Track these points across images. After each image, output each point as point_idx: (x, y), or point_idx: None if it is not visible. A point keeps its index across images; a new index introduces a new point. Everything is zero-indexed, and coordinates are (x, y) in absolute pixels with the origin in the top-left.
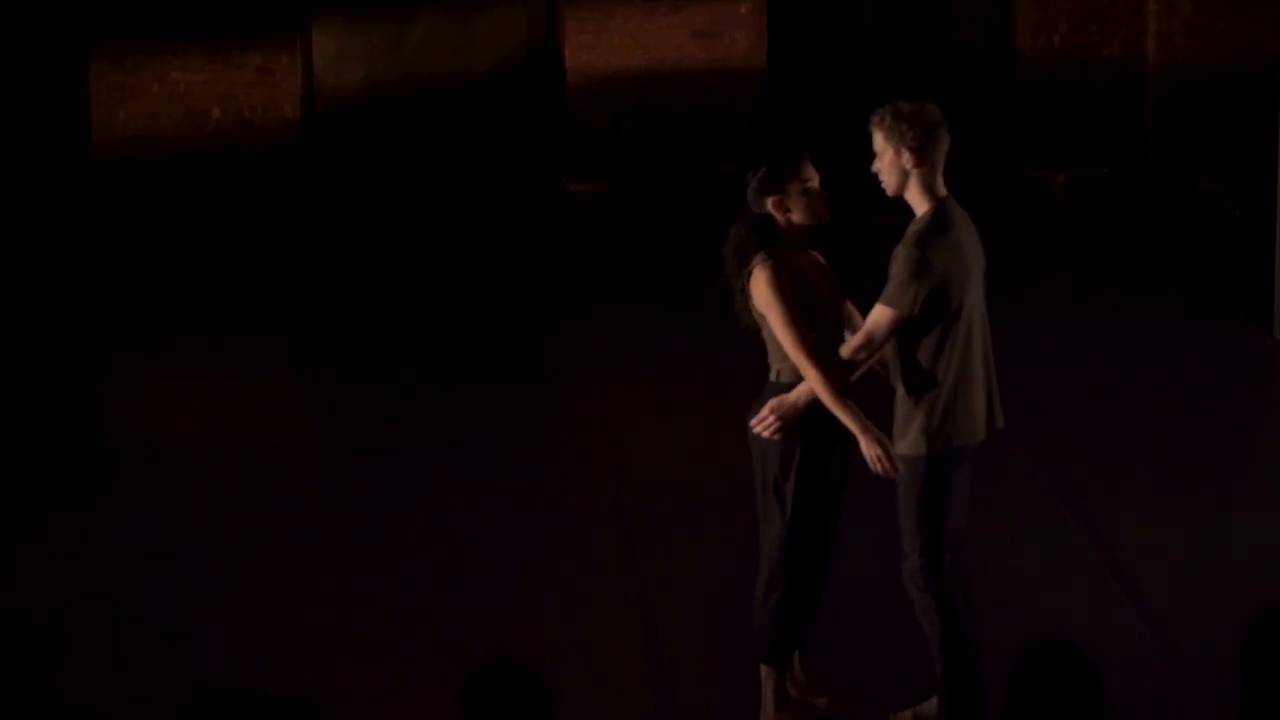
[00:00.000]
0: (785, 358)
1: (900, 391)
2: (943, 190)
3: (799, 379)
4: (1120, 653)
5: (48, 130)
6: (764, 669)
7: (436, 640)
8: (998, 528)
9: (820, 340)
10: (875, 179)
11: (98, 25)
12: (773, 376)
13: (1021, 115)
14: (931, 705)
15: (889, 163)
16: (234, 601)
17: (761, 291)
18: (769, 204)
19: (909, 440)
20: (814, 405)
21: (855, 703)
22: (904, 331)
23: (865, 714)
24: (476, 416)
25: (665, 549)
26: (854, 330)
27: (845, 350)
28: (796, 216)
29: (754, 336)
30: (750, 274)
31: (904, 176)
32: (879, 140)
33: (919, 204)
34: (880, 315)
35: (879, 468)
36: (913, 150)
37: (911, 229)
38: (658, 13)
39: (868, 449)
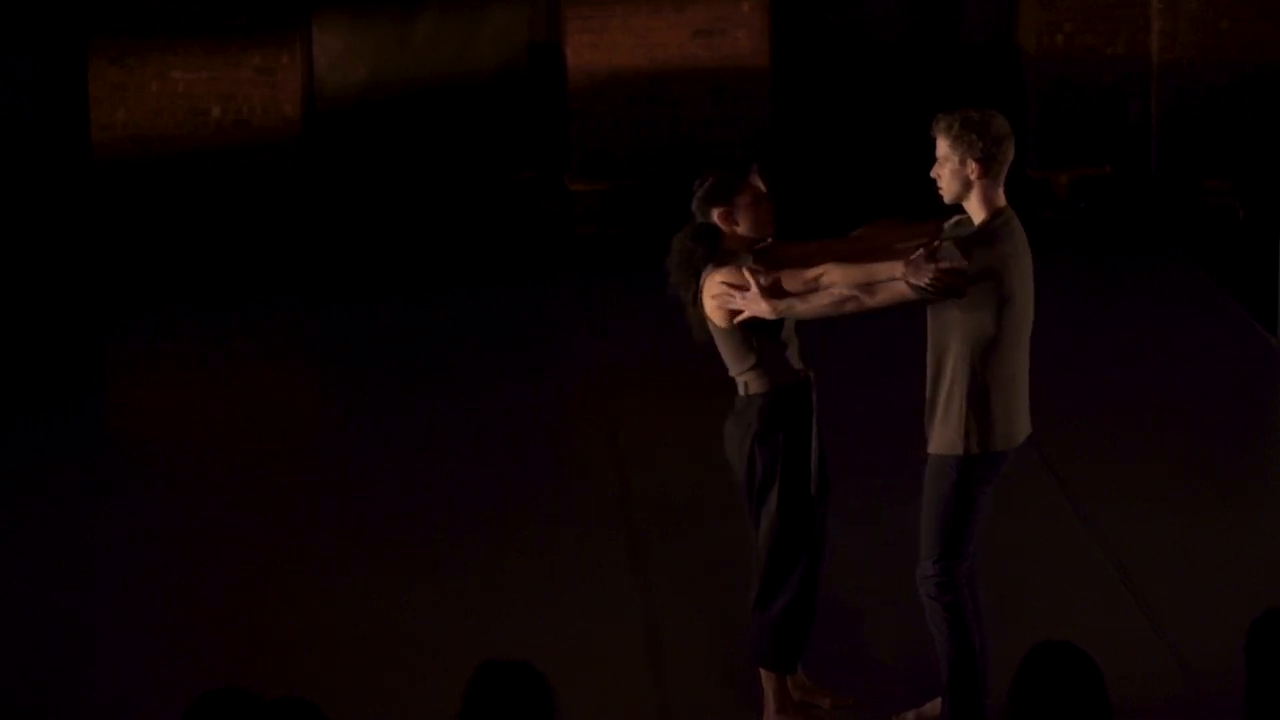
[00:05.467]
0: (746, 369)
1: (940, 393)
2: (1001, 201)
3: (766, 388)
4: (1123, 654)
5: (47, 129)
6: (764, 671)
7: (437, 640)
8: (1000, 528)
9: (775, 348)
10: (933, 183)
11: (98, 23)
12: (740, 390)
13: (1025, 114)
14: (935, 706)
15: (951, 171)
16: (234, 601)
17: (720, 285)
18: (715, 215)
19: (944, 441)
20: (789, 412)
21: (858, 704)
22: (950, 333)
23: (868, 715)
24: (477, 415)
25: (666, 549)
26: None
27: (860, 270)
28: (742, 228)
29: (709, 348)
30: (701, 287)
31: (966, 186)
32: (943, 147)
33: (976, 214)
34: (893, 287)
35: (929, 278)
36: (979, 161)
37: (964, 234)
38: (660, 11)
39: (911, 272)
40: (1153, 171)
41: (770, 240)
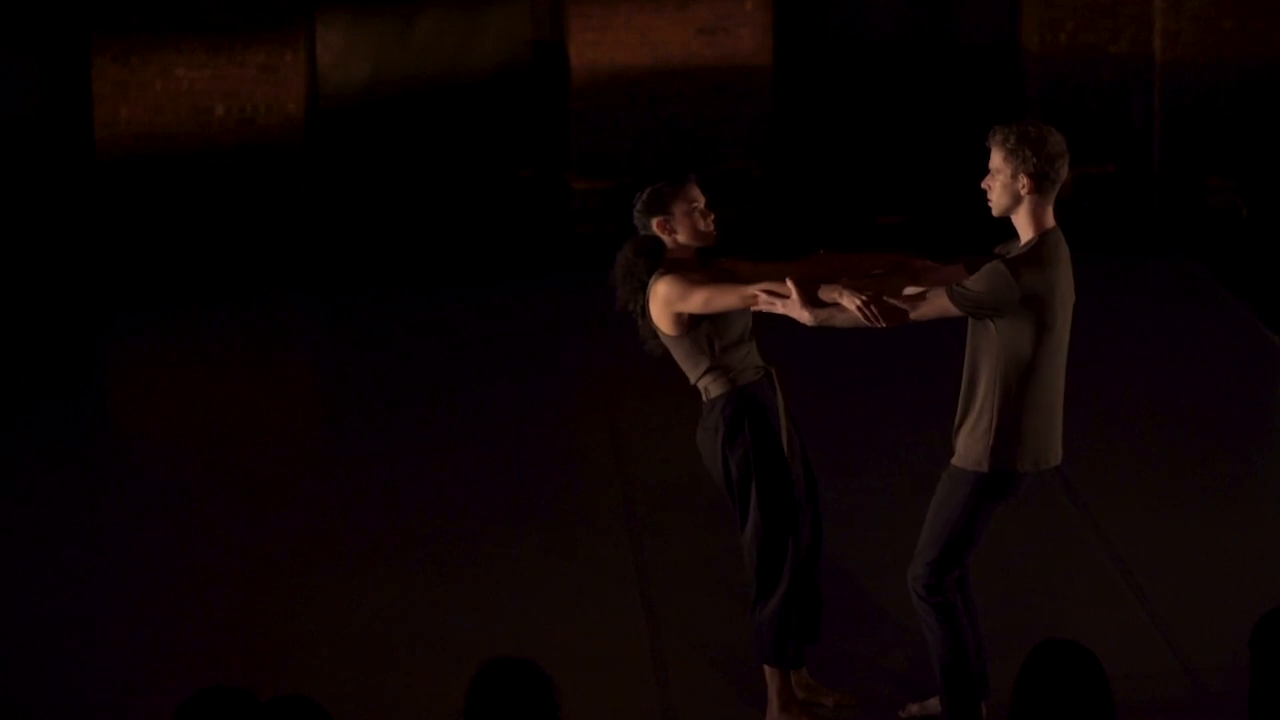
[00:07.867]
0: (702, 374)
1: (972, 408)
2: (1050, 221)
3: (726, 389)
4: (1125, 653)
5: (50, 127)
6: (768, 669)
7: (438, 639)
8: (1002, 528)
9: (729, 350)
10: (984, 195)
11: (100, 21)
12: (703, 396)
13: (1028, 113)
14: (937, 702)
15: (1002, 184)
16: (234, 601)
17: (666, 293)
18: (654, 225)
19: (968, 455)
20: (752, 411)
21: (862, 702)
22: (985, 351)
23: (871, 714)
24: (478, 414)
25: (666, 548)
26: None
27: (896, 299)
28: (682, 237)
29: (665, 358)
30: (648, 297)
31: (1015, 201)
32: (997, 159)
33: (1024, 230)
34: (935, 300)
35: (867, 316)
36: (1031, 177)
37: (1011, 252)
38: (663, 10)
39: (852, 302)
40: (1156, 170)
41: (724, 257)
